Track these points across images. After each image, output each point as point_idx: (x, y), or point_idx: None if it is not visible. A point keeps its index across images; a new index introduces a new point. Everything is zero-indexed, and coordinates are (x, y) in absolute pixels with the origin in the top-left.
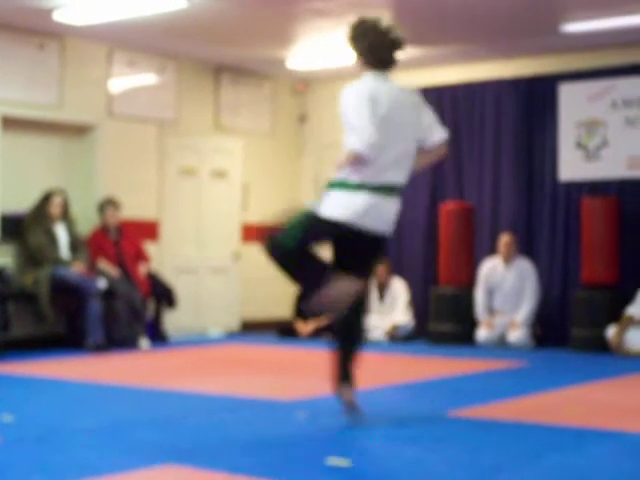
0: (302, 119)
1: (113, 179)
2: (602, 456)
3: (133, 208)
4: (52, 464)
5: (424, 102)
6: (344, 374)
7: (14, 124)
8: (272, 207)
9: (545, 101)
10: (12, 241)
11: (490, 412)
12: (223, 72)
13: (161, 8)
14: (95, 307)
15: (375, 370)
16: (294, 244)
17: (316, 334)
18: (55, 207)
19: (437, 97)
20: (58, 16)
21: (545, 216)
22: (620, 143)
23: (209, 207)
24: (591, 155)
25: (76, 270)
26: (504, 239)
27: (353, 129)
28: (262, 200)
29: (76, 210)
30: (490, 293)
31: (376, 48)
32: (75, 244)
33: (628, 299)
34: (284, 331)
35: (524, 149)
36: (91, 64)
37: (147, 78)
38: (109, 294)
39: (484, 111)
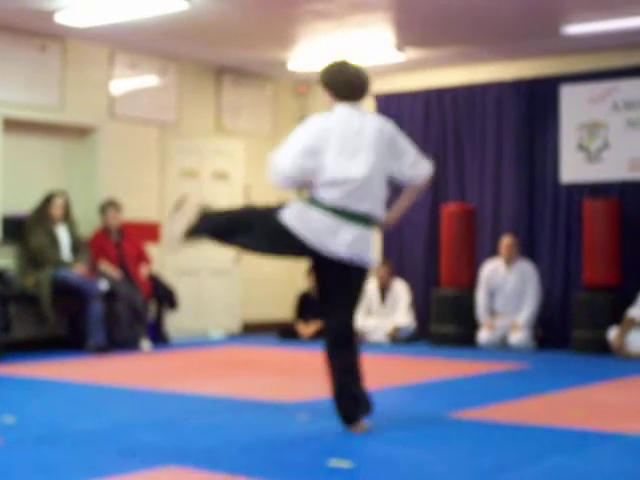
0: (303, 121)
1: (114, 181)
2: (603, 458)
3: (134, 210)
4: (53, 465)
5: (399, 135)
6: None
7: (16, 126)
8: None
9: (547, 103)
10: (14, 243)
11: (491, 414)
12: (224, 74)
13: (162, 10)
14: (96, 309)
15: (376, 372)
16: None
17: (317, 335)
18: (57, 209)
19: (438, 99)
20: (60, 18)
21: (546, 218)
22: (622, 145)
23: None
24: (592, 157)
25: (77, 272)
26: (505, 241)
27: (279, 153)
28: (263, 201)
29: (78, 212)
30: (491, 295)
31: (344, 83)
32: (76, 246)
33: (630, 301)
34: (285, 333)
35: (525, 151)
36: (93, 66)
37: (148, 80)
38: (110, 296)
39: (485, 113)
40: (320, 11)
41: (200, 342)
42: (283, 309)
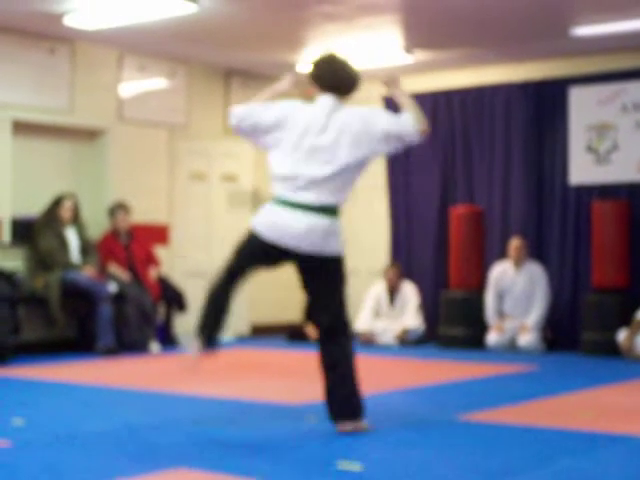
0: None
1: (123, 183)
2: (612, 460)
3: (143, 212)
4: (62, 468)
5: (377, 117)
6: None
7: (25, 128)
8: None
9: (555, 105)
10: (23, 245)
11: (500, 416)
12: (233, 76)
13: (171, 13)
14: (105, 311)
15: (385, 374)
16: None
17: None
18: (66, 211)
19: (447, 101)
20: (69, 21)
21: (555, 220)
22: (631, 147)
23: (219, 211)
24: (601, 159)
25: (87, 274)
26: (514, 243)
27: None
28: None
29: (87, 214)
30: (500, 297)
31: (329, 75)
32: (86, 248)
33: (639, 303)
34: (294, 335)
35: (534, 153)
36: (101, 69)
37: (157, 82)
38: (119, 298)
39: (494, 115)
40: (329, 13)
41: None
42: (292, 311)
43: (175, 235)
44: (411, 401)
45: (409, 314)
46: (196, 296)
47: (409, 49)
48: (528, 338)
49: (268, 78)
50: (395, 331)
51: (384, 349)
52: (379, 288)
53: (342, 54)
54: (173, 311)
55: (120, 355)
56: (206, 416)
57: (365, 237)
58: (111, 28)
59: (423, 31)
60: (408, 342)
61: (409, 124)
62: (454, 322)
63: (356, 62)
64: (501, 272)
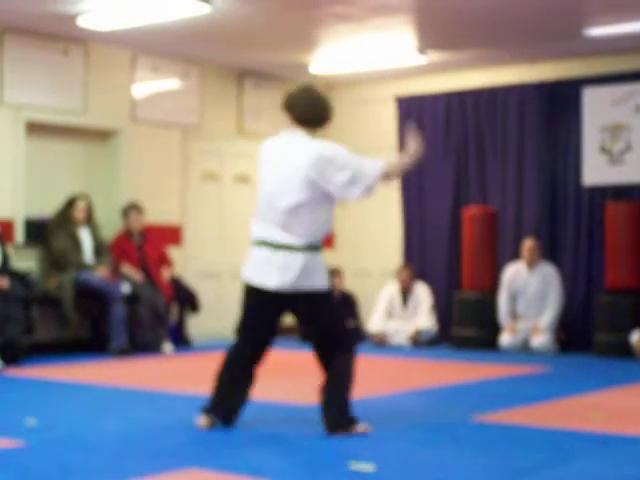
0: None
1: (137, 184)
2: (625, 461)
3: (157, 213)
4: (76, 468)
5: (337, 159)
6: None
7: (39, 129)
8: None
9: (569, 105)
10: (36, 245)
11: (513, 417)
12: (246, 77)
13: (185, 13)
14: (119, 311)
15: (398, 375)
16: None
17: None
18: (79, 212)
19: (460, 102)
20: (82, 22)
21: (569, 221)
22: None
23: (232, 212)
24: (615, 159)
25: (100, 274)
26: (527, 244)
27: None
28: None
29: (100, 215)
30: (513, 298)
31: (302, 108)
32: (99, 249)
33: None
34: (307, 335)
35: (548, 153)
36: (115, 69)
37: (170, 83)
38: (133, 298)
39: (507, 116)
40: (342, 14)
41: (222, 345)
42: None
43: (188, 236)
44: (424, 402)
45: (422, 315)
46: (209, 297)
47: (422, 50)
48: (541, 339)
49: (281, 79)
50: (408, 332)
51: (397, 350)
52: (392, 289)
53: (318, 88)
54: (186, 312)
55: (133, 355)
56: None
57: (378, 238)
58: (124, 29)
59: (436, 32)
60: (421, 343)
61: (357, 193)
62: (467, 323)
63: (369, 63)
64: (514, 273)
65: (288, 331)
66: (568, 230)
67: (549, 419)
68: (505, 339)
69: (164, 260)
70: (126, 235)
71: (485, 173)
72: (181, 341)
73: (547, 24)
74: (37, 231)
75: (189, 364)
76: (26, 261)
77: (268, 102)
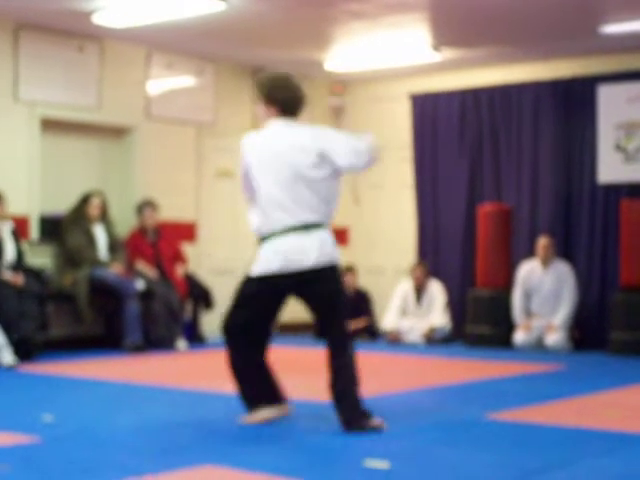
0: (339, 121)
1: (151, 181)
2: None
3: (171, 210)
4: (91, 464)
5: (333, 139)
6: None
7: (54, 126)
8: None
9: (584, 103)
10: (51, 242)
11: (528, 415)
12: (261, 74)
13: (200, 11)
14: (133, 308)
15: (412, 372)
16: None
17: (353, 336)
18: (94, 208)
19: (475, 99)
20: (97, 19)
21: (583, 218)
22: None
23: (246, 209)
24: (630, 157)
25: (114, 271)
26: (542, 241)
27: None
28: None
29: (114, 212)
30: (528, 296)
31: (290, 99)
32: (113, 245)
33: None
34: (320, 333)
35: (562, 151)
36: (130, 66)
37: (185, 80)
38: (147, 295)
39: (522, 113)
40: (356, 11)
41: None
42: None
43: (202, 232)
44: (438, 399)
45: (436, 312)
46: (223, 293)
47: (437, 47)
48: (555, 337)
49: (295, 76)
50: (422, 330)
51: (411, 348)
52: (406, 286)
53: (288, 74)
54: (200, 308)
55: (147, 352)
56: (232, 413)
57: (392, 235)
58: (139, 26)
59: (451, 29)
60: (435, 341)
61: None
62: (481, 321)
63: (383, 60)
64: (529, 271)
65: (302, 328)
66: (583, 228)
67: (563, 417)
68: (519, 337)
69: (178, 257)
70: (140, 232)
71: (500, 170)
72: (195, 338)
73: (562, 21)
74: (52, 228)
75: (203, 361)
76: (41, 258)
77: None
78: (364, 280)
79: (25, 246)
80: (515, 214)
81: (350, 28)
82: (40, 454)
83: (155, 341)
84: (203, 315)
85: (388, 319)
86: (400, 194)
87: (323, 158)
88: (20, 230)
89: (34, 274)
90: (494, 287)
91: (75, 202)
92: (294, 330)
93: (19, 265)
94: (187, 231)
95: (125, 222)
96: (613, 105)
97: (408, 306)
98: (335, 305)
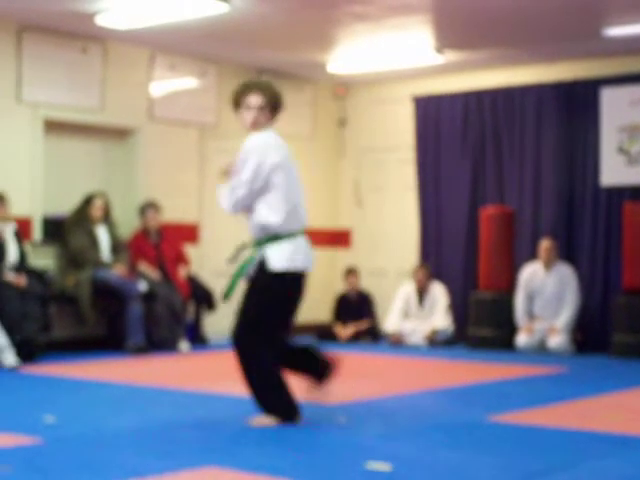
0: (342, 123)
1: (154, 182)
2: None
3: (174, 211)
4: (94, 465)
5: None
6: None
7: (57, 127)
8: (311, 210)
9: (587, 105)
10: (54, 243)
11: (530, 417)
12: (264, 76)
13: (203, 12)
14: (135, 309)
15: (415, 375)
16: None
17: (355, 338)
18: (96, 210)
19: (478, 101)
20: (101, 20)
21: (586, 221)
22: None
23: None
24: (633, 160)
25: (117, 272)
26: (545, 244)
27: None
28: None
29: (117, 213)
30: (530, 298)
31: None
32: (116, 247)
33: None
34: (323, 335)
35: (565, 154)
36: (133, 68)
37: (188, 82)
38: (149, 297)
39: (525, 115)
40: (359, 13)
41: None
42: (321, 311)
43: (205, 234)
44: (440, 402)
45: (438, 315)
46: None
47: (440, 49)
48: (558, 340)
49: (298, 78)
50: (424, 332)
51: (413, 350)
52: (408, 289)
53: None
54: (202, 310)
55: (150, 354)
56: (235, 415)
57: (394, 238)
58: (143, 27)
59: (454, 31)
60: (437, 343)
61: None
62: (483, 323)
63: (387, 62)
64: (531, 273)
65: (305, 330)
66: (585, 230)
67: (566, 420)
68: (522, 339)
69: (181, 258)
70: (143, 233)
71: (502, 173)
72: (197, 339)
73: (565, 24)
74: (55, 229)
75: (205, 362)
76: (44, 259)
77: (286, 101)
78: (366, 282)
79: (28, 247)
80: (518, 216)
81: (353, 30)
82: (42, 455)
83: (158, 342)
84: (206, 316)
85: (390, 321)
86: (403, 196)
87: None
88: (23, 231)
89: (37, 275)
90: (496, 289)
91: (78, 203)
92: (297, 332)
93: (22, 266)
94: (190, 232)
95: (128, 223)
96: (616, 108)
97: (410, 308)
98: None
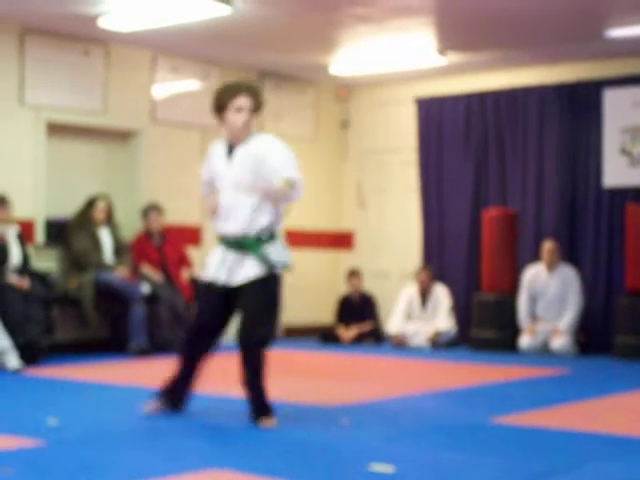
0: (345, 125)
1: (157, 184)
2: None
3: (176, 213)
4: (96, 467)
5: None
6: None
7: (59, 130)
8: (314, 212)
9: (589, 107)
10: (56, 246)
11: (533, 419)
12: (266, 78)
13: (205, 15)
14: (138, 311)
15: (417, 376)
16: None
17: (358, 340)
18: (99, 212)
19: (480, 103)
20: (103, 23)
21: (589, 222)
22: None
23: None
24: (635, 161)
25: (120, 275)
26: (547, 246)
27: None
28: (304, 205)
29: (120, 215)
30: (533, 300)
31: None
32: (119, 249)
33: None
34: (326, 337)
35: (568, 155)
36: (135, 70)
37: (190, 84)
38: (152, 299)
39: (528, 117)
40: (362, 15)
41: None
42: (324, 313)
43: (207, 236)
44: (443, 404)
45: (441, 316)
46: None
47: (442, 51)
48: (561, 341)
49: (301, 80)
50: (427, 333)
51: (416, 352)
52: (411, 290)
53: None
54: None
55: (152, 355)
56: (238, 417)
57: (397, 239)
58: (145, 30)
59: (456, 33)
60: (440, 345)
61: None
62: (486, 325)
63: (389, 64)
64: (534, 275)
65: (308, 332)
66: (588, 232)
67: (569, 421)
68: (524, 341)
69: (184, 260)
70: (146, 235)
71: (505, 174)
72: None
73: (568, 25)
74: (57, 231)
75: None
76: (46, 261)
77: (288, 103)
78: (369, 284)
79: (30, 250)
80: (520, 218)
81: (356, 32)
82: (45, 458)
83: (160, 344)
84: None
85: (393, 323)
86: (405, 198)
87: None
88: (26, 234)
89: (39, 278)
90: (499, 291)
91: (80, 206)
92: (300, 334)
93: (24, 269)
94: (192, 235)
95: (130, 226)
96: (618, 109)
97: (413, 310)
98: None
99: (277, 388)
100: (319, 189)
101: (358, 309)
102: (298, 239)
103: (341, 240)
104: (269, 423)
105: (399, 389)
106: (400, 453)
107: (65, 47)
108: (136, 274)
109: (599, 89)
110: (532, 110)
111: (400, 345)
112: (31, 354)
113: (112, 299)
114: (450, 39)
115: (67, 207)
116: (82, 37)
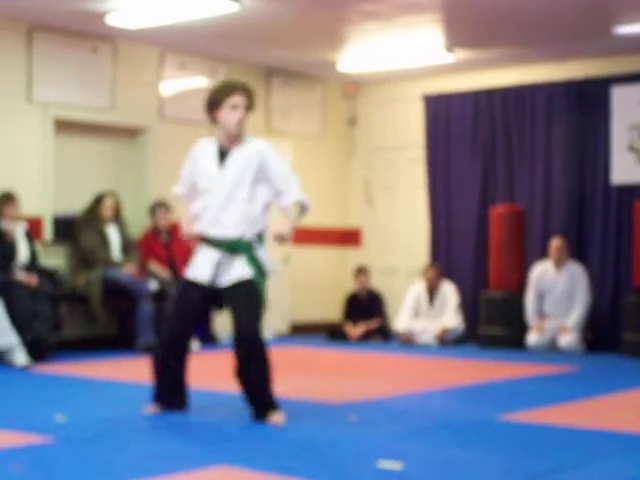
0: (352, 122)
1: (164, 182)
2: None
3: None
4: (105, 464)
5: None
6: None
7: (67, 126)
8: (322, 209)
9: (597, 104)
10: (64, 243)
11: (541, 416)
12: (274, 75)
13: (213, 12)
14: (146, 308)
15: (425, 374)
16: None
17: (365, 337)
18: (107, 209)
19: (488, 100)
20: (111, 20)
21: (597, 220)
22: None
23: None
24: None
25: (127, 272)
26: (555, 243)
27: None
28: (312, 202)
29: (128, 212)
30: (541, 297)
31: None
32: (127, 246)
33: None
34: (333, 334)
35: (575, 152)
36: (143, 67)
37: (198, 81)
38: (160, 296)
39: (535, 114)
40: (370, 12)
41: None
42: (331, 310)
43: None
44: (451, 401)
45: (448, 314)
46: None
47: (450, 48)
48: (568, 339)
49: (308, 77)
50: (434, 331)
51: (423, 349)
52: (419, 288)
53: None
54: (213, 309)
55: None
56: (245, 414)
57: (405, 236)
58: (153, 27)
59: (464, 30)
60: (447, 342)
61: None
62: (494, 322)
63: (397, 61)
64: (542, 272)
65: (315, 329)
66: (596, 229)
67: (576, 418)
68: (532, 338)
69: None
70: (153, 233)
71: (513, 172)
72: (208, 338)
73: (576, 22)
74: (65, 228)
75: (215, 361)
76: (54, 258)
77: (296, 100)
78: (377, 281)
79: (38, 247)
80: (528, 215)
81: (363, 29)
82: (53, 454)
83: None
84: (216, 316)
85: (401, 320)
86: (413, 195)
87: None
88: (33, 231)
89: (47, 275)
90: (507, 288)
91: (88, 203)
92: (307, 331)
93: (32, 266)
94: None
95: (138, 223)
96: (626, 106)
97: (421, 307)
98: None
99: (284, 385)
100: (326, 186)
101: (365, 306)
102: (305, 236)
103: (348, 237)
104: (278, 420)
105: (407, 386)
106: (408, 450)
107: (73, 44)
108: (144, 271)
109: (607, 86)
110: (540, 107)
111: (407, 342)
112: (39, 351)
113: (120, 296)
114: (458, 36)
115: (75, 204)
116: (90, 34)
